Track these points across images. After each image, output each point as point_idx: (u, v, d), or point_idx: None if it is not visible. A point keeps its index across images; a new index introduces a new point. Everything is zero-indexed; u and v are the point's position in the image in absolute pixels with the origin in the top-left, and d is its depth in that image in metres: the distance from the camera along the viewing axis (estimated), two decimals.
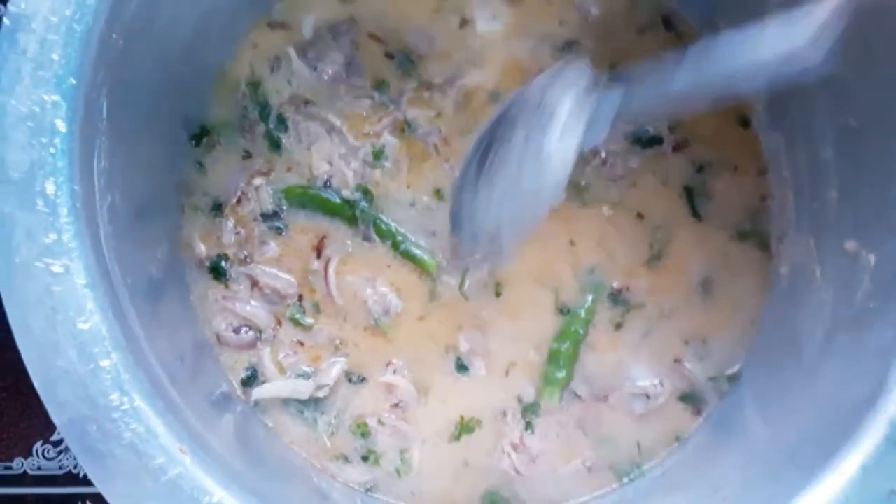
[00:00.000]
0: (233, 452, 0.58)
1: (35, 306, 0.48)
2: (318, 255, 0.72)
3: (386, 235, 0.72)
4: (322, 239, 0.72)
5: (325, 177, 0.73)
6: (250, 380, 0.71)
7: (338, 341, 0.72)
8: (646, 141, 0.73)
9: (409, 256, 0.72)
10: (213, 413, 0.60)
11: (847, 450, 0.53)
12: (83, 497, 0.77)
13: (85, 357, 0.48)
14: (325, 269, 0.71)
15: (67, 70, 0.50)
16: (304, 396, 0.69)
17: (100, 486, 0.48)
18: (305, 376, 0.71)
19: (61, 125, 0.50)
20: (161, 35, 0.59)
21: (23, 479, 0.79)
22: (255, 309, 0.71)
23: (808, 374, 0.62)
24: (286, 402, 0.70)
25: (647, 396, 0.71)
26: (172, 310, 0.64)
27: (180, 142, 0.68)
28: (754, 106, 0.74)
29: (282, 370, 0.71)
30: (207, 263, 0.71)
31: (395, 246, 0.72)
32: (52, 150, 0.49)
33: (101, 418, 0.48)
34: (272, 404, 0.70)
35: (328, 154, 0.73)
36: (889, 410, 0.53)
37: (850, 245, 0.62)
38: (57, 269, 0.48)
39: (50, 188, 0.49)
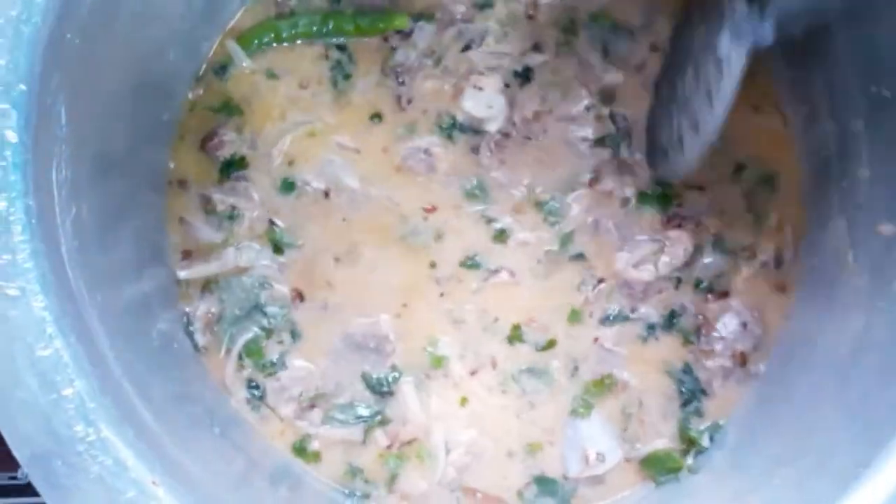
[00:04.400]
0: (215, 475, 0.54)
1: None
2: None
3: None
4: None
5: None
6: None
7: None
8: None
9: None
10: (192, 433, 0.56)
11: (882, 461, 0.47)
12: None
13: (46, 386, 0.44)
14: None
15: (16, 76, 0.46)
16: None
17: None
18: None
19: (12, 136, 0.45)
20: (125, 32, 0.55)
21: (26, 489, 0.77)
22: None
23: (841, 374, 0.57)
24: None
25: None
26: (152, 324, 0.60)
27: (156, 145, 0.64)
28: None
29: None
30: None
31: None
32: (2, 163, 0.45)
33: (66, 452, 0.44)
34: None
35: None
36: None
37: (885, 228, 0.57)
38: (12, 291, 0.45)
39: (1, 205, 0.45)
